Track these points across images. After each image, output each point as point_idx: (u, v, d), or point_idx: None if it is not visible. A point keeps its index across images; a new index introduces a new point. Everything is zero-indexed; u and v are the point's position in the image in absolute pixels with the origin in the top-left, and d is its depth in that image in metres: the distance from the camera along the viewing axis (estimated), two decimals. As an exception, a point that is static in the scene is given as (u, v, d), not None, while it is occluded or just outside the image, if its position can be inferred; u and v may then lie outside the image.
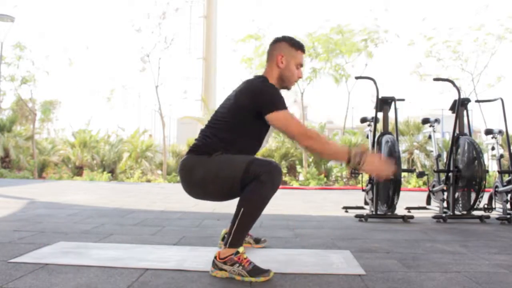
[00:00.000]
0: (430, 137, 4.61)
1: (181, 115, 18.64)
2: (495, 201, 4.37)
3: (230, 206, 2.01)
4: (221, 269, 1.86)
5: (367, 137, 4.57)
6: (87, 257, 2.13)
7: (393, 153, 3.75)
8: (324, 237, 2.93)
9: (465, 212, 3.94)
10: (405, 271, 2.01)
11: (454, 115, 4.01)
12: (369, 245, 2.64)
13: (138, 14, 19.51)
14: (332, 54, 11.13)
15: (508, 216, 3.85)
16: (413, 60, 17.33)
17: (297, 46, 2.16)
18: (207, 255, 2.16)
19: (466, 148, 3.88)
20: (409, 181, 9.77)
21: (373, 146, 4.11)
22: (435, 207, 4.36)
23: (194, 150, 2.07)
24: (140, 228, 3.15)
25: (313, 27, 17.11)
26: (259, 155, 2.20)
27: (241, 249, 1.87)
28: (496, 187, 4.34)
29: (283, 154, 10.95)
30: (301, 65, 2.18)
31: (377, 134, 4.13)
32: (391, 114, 4.28)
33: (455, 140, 3.97)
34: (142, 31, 12.26)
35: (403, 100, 4.37)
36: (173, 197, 5.87)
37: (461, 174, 3.93)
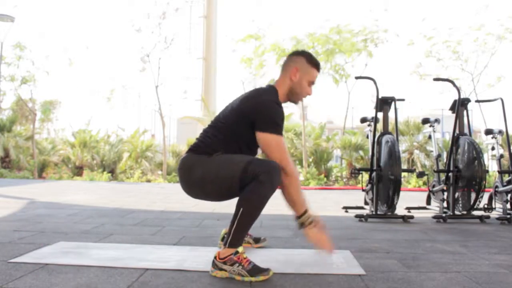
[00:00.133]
0: (430, 137, 4.61)
1: (181, 115, 18.66)
2: (495, 201, 4.37)
3: (230, 206, 2.01)
4: (221, 269, 1.86)
5: (367, 137, 4.57)
6: (87, 257, 2.13)
7: (393, 153, 3.75)
8: (324, 237, 2.92)
9: (465, 212, 3.94)
10: (405, 271, 2.01)
11: (454, 115, 4.01)
12: (369, 245, 2.64)
13: (138, 14, 19.58)
14: (332, 54, 11.12)
15: (508, 216, 3.85)
16: (413, 60, 17.37)
17: (314, 63, 2.16)
18: (207, 255, 2.16)
19: (466, 148, 3.88)
20: (409, 181, 9.77)
21: (373, 146, 4.11)
22: (435, 207, 4.36)
23: (195, 149, 2.07)
24: (140, 228, 3.15)
25: (313, 27, 17.10)
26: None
27: (240, 249, 1.87)
28: (496, 187, 4.34)
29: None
30: (313, 83, 2.19)
31: (377, 134, 4.13)
32: (391, 114, 4.28)
33: (455, 140, 3.97)
34: (142, 31, 12.29)
35: (403, 100, 4.37)
36: (173, 197, 5.87)
37: (461, 174, 3.92)
